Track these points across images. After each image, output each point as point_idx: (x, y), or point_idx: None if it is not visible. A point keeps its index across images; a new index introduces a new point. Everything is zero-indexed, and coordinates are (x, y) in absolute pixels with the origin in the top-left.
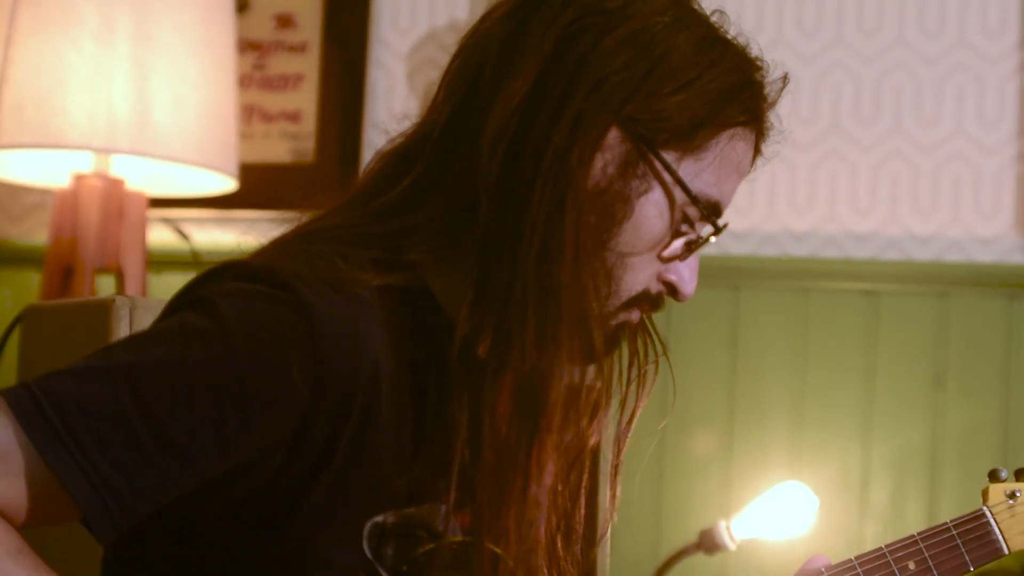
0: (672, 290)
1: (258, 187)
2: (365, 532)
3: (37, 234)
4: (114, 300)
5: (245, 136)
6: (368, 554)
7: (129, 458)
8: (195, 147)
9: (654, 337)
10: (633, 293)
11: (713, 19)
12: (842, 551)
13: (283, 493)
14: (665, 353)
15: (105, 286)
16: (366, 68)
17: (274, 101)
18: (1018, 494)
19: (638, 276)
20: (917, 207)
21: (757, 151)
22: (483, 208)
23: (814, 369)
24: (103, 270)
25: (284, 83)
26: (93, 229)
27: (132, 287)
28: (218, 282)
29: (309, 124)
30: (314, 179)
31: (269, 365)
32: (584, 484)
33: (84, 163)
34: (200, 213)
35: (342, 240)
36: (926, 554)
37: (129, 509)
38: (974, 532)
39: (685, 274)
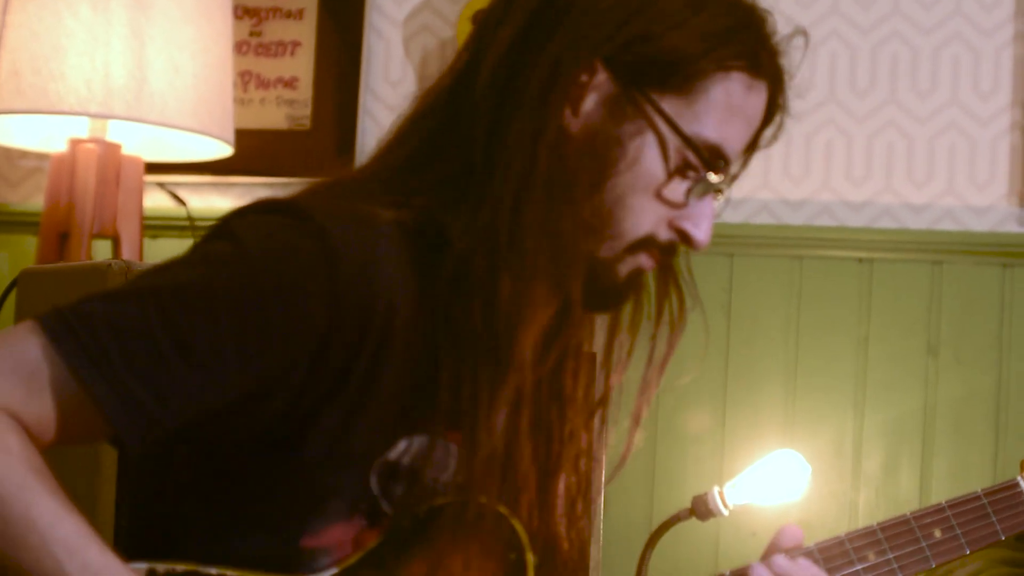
0: (684, 237)
1: (254, 153)
2: (374, 467)
3: (33, 199)
4: (110, 264)
5: (241, 102)
6: (375, 489)
7: (154, 371)
8: (191, 113)
9: (683, 289)
10: (637, 236)
11: None
12: (835, 518)
13: (297, 417)
14: (685, 308)
15: (101, 251)
16: (363, 35)
17: (271, 67)
18: None
19: (640, 219)
20: (912, 176)
21: (774, 103)
22: (477, 150)
23: (808, 337)
24: (99, 235)
25: (281, 49)
26: (89, 194)
27: (128, 252)
28: (240, 217)
29: (305, 90)
30: (310, 145)
31: (289, 288)
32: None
33: (81, 128)
34: (196, 178)
35: (359, 187)
36: (953, 521)
37: (153, 418)
38: (1007, 501)
39: (697, 221)
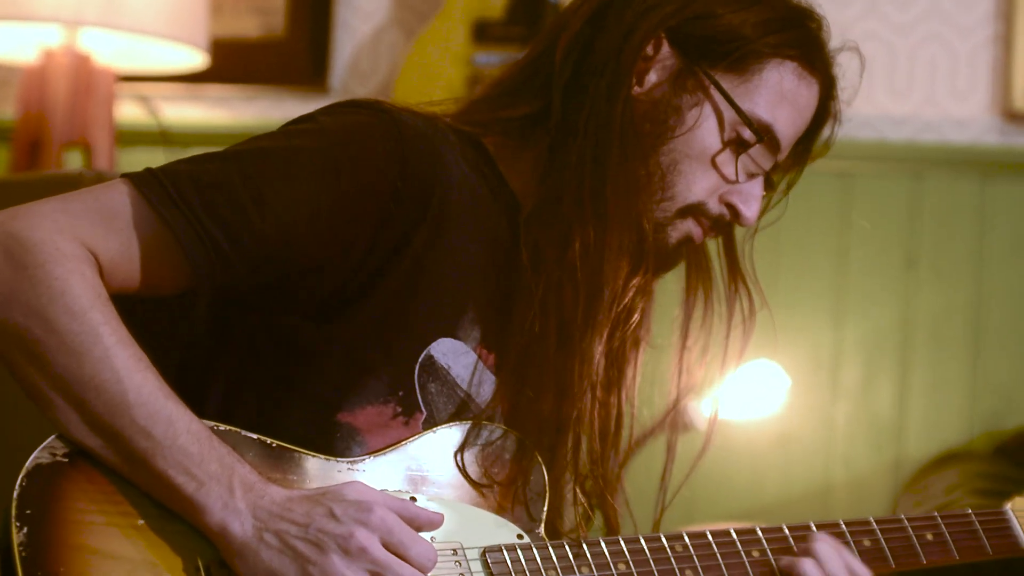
0: (733, 212)
1: (228, 62)
2: (419, 359)
3: (4, 109)
4: (81, 174)
5: (215, 10)
6: (415, 379)
7: (231, 217)
8: (164, 19)
9: (752, 290)
10: (688, 202)
11: None
12: (813, 431)
13: (352, 290)
14: (755, 310)
15: (73, 161)
16: None
17: None
18: None
19: (692, 186)
20: (892, 88)
21: (825, 105)
22: (555, 105)
23: (787, 250)
24: (71, 145)
25: None
26: (61, 104)
27: (100, 162)
28: (322, 110)
29: None
30: (284, 54)
31: (362, 161)
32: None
33: (52, 37)
34: (169, 89)
35: (435, 117)
36: (944, 529)
37: (226, 258)
38: (995, 524)
39: (746, 198)
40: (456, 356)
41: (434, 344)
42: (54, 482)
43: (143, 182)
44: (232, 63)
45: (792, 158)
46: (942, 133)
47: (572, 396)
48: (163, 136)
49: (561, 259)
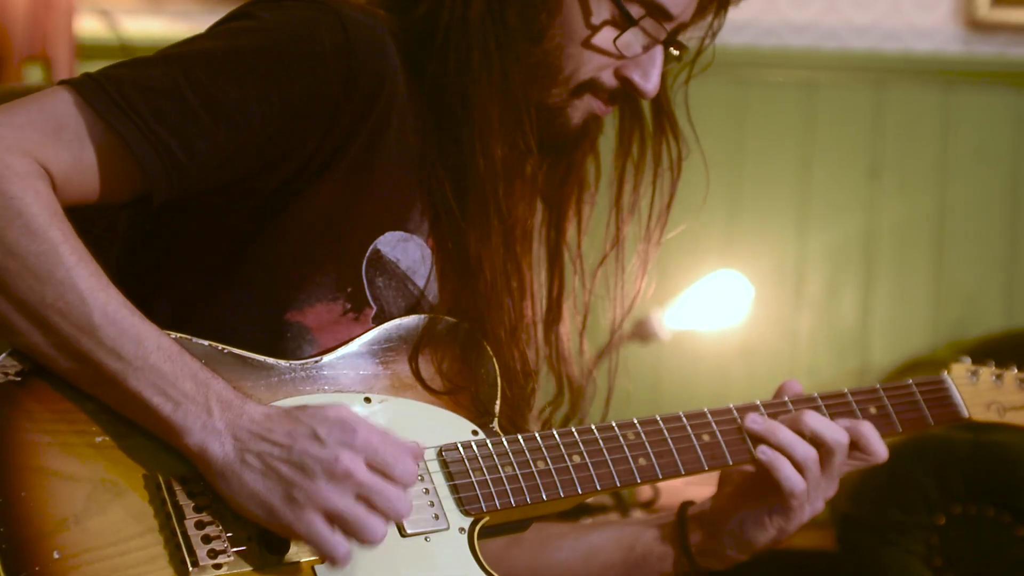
0: (629, 85)
1: None
2: (367, 253)
3: None
4: (41, 87)
5: None
6: (363, 274)
7: (183, 124)
8: None
9: (678, 135)
10: (580, 80)
11: None
12: (777, 341)
13: (299, 186)
14: (682, 153)
15: (33, 75)
16: None
17: None
18: (979, 371)
19: (580, 67)
20: None
21: None
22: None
23: (751, 160)
24: (31, 59)
25: None
26: (20, 17)
27: (61, 76)
28: (256, 2)
29: None
30: None
31: (309, 57)
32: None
33: None
34: (130, 2)
35: (367, 5)
36: (887, 402)
37: (181, 167)
38: (935, 393)
39: (645, 70)
40: (405, 248)
41: (381, 238)
42: (8, 403)
43: (87, 90)
44: None
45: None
46: (905, 42)
47: (484, 278)
48: (124, 50)
49: (458, 151)
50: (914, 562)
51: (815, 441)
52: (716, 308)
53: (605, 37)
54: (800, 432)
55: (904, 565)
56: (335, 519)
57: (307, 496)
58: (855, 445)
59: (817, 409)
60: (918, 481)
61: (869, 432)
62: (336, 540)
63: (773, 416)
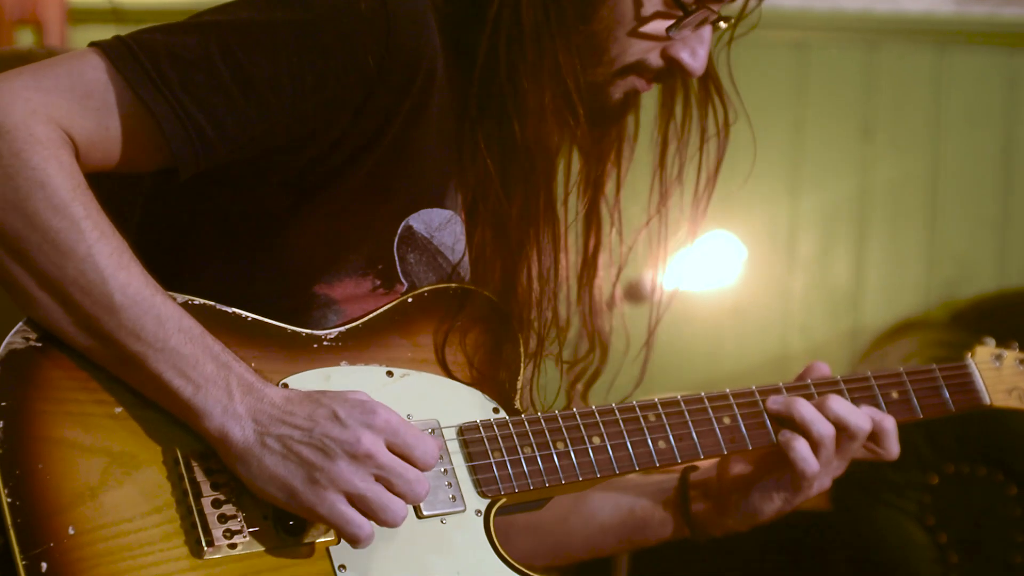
0: (678, 65)
1: None
2: (399, 230)
3: None
4: (32, 51)
5: None
6: (395, 252)
7: (213, 99)
8: None
9: (720, 106)
10: (625, 63)
11: None
12: (770, 301)
13: (335, 164)
14: (728, 122)
15: (24, 39)
16: None
17: None
18: (1004, 355)
19: (628, 48)
20: None
21: None
22: None
23: (742, 120)
24: (22, 22)
25: None
26: None
27: (52, 39)
28: None
29: None
30: None
31: (347, 35)
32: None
33: None
34: None
35: None
36: (909, 387)
37: (209, 143)
38: (958, 378)
39: (693, 49)
40: (441, 224)
41: (414, 215)
42: (29, 369)
43: (119, 58)
44: None
45: None
46: (897, 2)
47: (519, 243)
48: (115, 13)
49: (504, 128)
50: (907, 521)
51: (838, 424)
52: (709, 269)
53: (655, 21)
54: (824, 415)
55: (897, 524)
56: (356, 500)
57: (329, 478)
58: (873, 437)
59: (840, 393)
60: (911, 440)
61: (891, 429)
62: (360, 521)
63: None
